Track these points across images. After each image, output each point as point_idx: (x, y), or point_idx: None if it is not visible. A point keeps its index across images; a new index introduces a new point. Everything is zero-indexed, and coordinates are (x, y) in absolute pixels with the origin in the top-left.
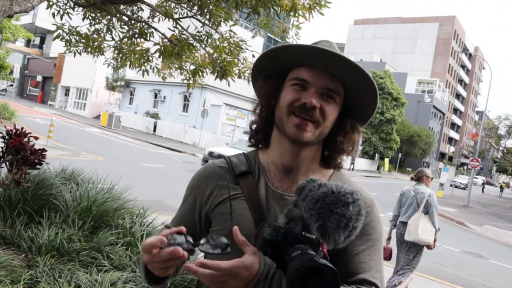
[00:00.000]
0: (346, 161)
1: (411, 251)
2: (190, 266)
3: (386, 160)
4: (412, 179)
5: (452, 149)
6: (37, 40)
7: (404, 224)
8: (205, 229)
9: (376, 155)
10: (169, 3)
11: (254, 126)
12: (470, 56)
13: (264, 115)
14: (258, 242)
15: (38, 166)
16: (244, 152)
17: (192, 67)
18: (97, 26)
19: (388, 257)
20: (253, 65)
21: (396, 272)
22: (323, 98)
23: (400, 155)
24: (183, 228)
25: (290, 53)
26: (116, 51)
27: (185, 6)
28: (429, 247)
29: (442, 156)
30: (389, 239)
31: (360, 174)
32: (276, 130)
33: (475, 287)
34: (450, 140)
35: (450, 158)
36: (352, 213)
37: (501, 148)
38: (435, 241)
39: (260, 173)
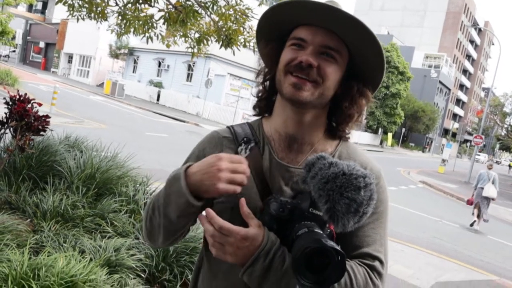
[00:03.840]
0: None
1: (486, 202)
2: (202, 217)
3: (389, 135)
4: (487, 167)
5: (456, 125)
6: (39, 5)
7: (482, 188)
8: (208, 201)
9: (380, 129)
10: None
11: (258, 94)
12: (479, 30)
13: (267, 81)
14: (264, 217)
15: (42, 133)
16: (248, 122)
17: (197, 35)
18: None
19: (470, 204)
20: (256, 28)
21: (481, 217)
22: (322, 57)
23: (403, 130)
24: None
25: (287, 11)
26: (120, 17)
27: None
28: (493, 199)
29: (445, 132)
30: (473, 195)
31: (362, 148)
32: (279, 97)
33: (472, 261)
34: (455, 116)
35: (454, 135)
36: (363, 197)
37: (505, 126)
38: (495, 197)
39: (265, 143)
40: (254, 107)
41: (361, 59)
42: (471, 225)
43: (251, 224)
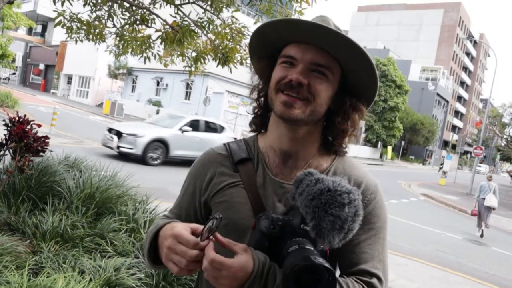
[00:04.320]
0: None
1: (488, 211)
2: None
3: (389, 148)
4: (487, 179)
5: (455, 137)
6: (38, 28)
7: (483, 199)
8: (206, 217)
9: (379, 143)
10: None
11: (254, 111)
12: (475, 43)
13: (262, 98)
14: (256, 235)
15: (41, 154)
16: (245, 138)
17: (194, 54)
18: (98, 13)
19: (475, 215)
20: (248, 45)
21: (484, 223)
22: (312, 75)
23: (403, 143)
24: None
25: (275, 30)
26: (118, 38)
27: None
28: (494, 209)
29: (445, 144)
30: (475, 206)
31: (362, 162)
32: (273, 113)
33: (477, 274)
34: (454, 128)
35: (454, 146)
36: (347, 214)
37: (505, 136)
38: (496, 206)
39: (259, 159)
40: (250, 124)
41: (354, 77)
42: (481, 236)
43: (236, 251)
